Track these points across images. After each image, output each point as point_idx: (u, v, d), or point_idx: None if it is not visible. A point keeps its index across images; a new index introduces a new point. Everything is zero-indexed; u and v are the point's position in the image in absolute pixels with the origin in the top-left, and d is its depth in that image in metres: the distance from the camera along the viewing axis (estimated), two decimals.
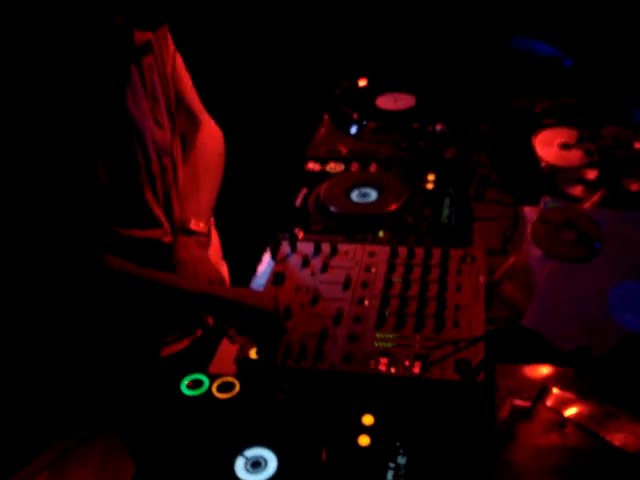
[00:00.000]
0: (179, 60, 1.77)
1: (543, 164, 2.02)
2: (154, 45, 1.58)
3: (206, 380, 1.43)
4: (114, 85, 1.47)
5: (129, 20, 1.42)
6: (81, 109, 1.39)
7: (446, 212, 1.88)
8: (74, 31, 1.36)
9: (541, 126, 2.18)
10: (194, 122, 1.84)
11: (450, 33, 3.11)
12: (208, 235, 1.74)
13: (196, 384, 1.43)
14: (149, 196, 1.59)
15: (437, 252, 1.69)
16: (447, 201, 1.92)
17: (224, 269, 2.01)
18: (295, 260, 1.72)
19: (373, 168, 2.10)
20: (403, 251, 1.70)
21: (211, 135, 1.87)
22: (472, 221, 1.89)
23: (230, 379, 1.43)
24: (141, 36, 1.53)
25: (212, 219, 1.93)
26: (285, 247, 1.76)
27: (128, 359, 1.66)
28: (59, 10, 1.34)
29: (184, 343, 1.73)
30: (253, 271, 1.75)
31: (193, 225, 1.68)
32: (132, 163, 1.54)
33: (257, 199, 2.64)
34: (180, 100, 1.76)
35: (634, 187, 1.91)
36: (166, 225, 1.65)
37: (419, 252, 1.69)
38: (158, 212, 1.63)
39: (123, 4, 1.37)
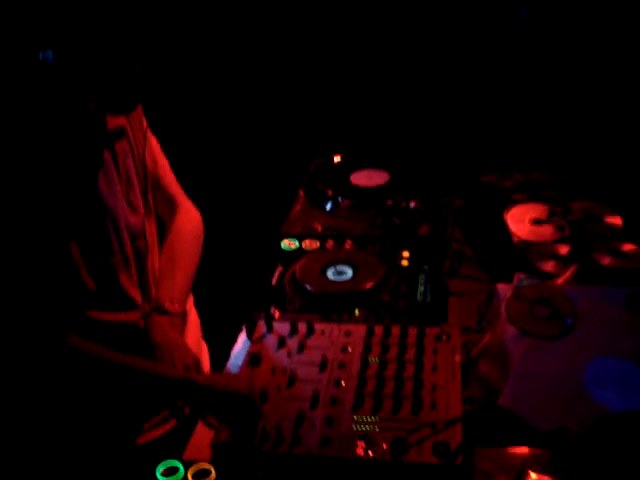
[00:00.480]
0: (155, 143, 1.79)
1: (515, 240, 2.05)
2: (127, 130, 1.61)
3: (181, 467, 1.41)
4: (87, 170, 1.48)
5: (102, 105, 1.44)
6: (53, 193, 1.40)
7: (421, 289, 1.89)
8: (47, 117, 1.38)
9: (512, 202, 2.22)
10: (171, 205, 1.85)
11: (422, 109, 3.18)
12: (183, 316, 1.73)
13: (171, 471, 1.40)
14: (123, 278, 1.59)
15: (413, 331, 1.69)
16: (422, 278, 1.93)
17: (204, 349, 2.00)
18: (271, 340, 1.71)
19: (348, 245, 2.11)
20: (379, 330, 1.70)
21: (188, 217, 1.88)
22: (447, 297, 1.90)
23: (205, 465, 1.40)
24: (114, 121, 1.55)
25: (192, 299, 1.92)
26: (261, 327, 1.76)
27: (102, 446, 1.63)
28: (32, 97, 1.36)
29: (160, 431, 1.70)
30: (229, 351, 1.74)
31: (167, 305, 1.68)
32: (106, 246, 1.54)
33: (236, 278, 2.64)
34: (156, 183, 1.77)
35: (605, 261, 1.94)
36: (142, 306, 1.65)
37: (395, 331, 1.69)
38: (134, 294, 1.63)
39: (96, 89, 1.39)
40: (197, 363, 1.59)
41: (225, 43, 3.25)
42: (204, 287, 1.98)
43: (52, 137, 1.40)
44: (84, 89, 1.38)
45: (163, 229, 1.83)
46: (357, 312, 1.81)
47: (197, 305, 2.01)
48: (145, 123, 1.69)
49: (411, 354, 1.62)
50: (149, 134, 1.70)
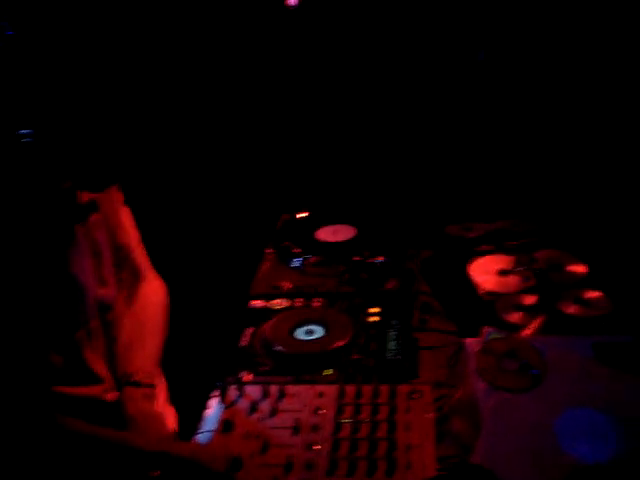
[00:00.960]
0: (127, 214, 1.79)
1: (482, 291, 2.07)
2: (100, 203, 1.61)
3: None
4: (57, 246, 1.48)
5: (78, 184, 1.45)
6: (21, 270, 1.40)
7: (391, 346, 1.90)
8: (22, 195, 1.38)
9: (477, 253, 2.25)
10: (137, 276, 1.85)
11: (384, 162, 3.22)
12: (154, 387, 1.71)
13: None
14: (87, 353, 1.58)
15: (385, 389, 1.69)
16: (391, 334, 1.94)
17: (171, 413, 1.97)
18: (243, 404, 1.70)
19: (317, 302, 2.12)
20: (351, 390, 1.70)
21: (154, 288, 1.88)
22: (417, 351, 1.91)
23: None
24: (87, 195, 1.55)
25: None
26: (233, 391, 1.75)
27: None
28: (8, 174, 1.36)
29: None
30: (199, 414, 1.72)
31: (139, 377, 1.67)
32: (71, 321, 1.53)
33: (204, 340, 2.62)
34: (126, 255, 1.77)
35: (570, 310, 1.97)
36: (108, 380, 1.63)
37: (367, 390, 1.69)
38: (98, 368, 1.61)
39: (73, 169, 1.40)
40: (171, 434, 1.58)
41: (191, 108, 3.27)
42: (172, 351, 1.97)
43: (24, 214, 1.40)
44: (61, 169, 1.39)
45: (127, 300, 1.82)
46: (329, 372, 1.81)
47: (165, 369, 1.99)
48: (119, 194, 1.69)
49: (384, 414, 1.62)
50: (123, 207, 1.71)
